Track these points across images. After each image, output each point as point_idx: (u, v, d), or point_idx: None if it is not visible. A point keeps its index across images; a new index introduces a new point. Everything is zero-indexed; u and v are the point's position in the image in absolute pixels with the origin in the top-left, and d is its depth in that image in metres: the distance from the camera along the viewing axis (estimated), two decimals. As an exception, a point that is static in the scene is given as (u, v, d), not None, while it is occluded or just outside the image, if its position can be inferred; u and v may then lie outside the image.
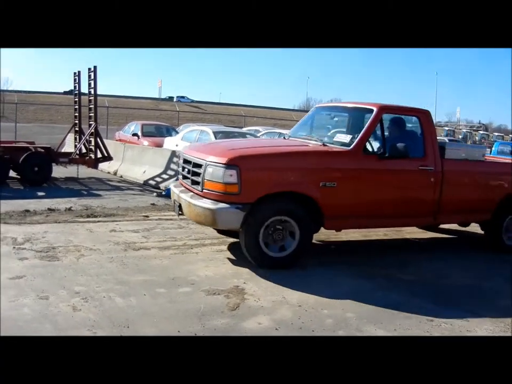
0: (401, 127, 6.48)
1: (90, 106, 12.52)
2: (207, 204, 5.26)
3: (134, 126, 18.63)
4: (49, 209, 7.98)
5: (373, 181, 5.90)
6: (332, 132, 6.50)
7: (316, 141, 6.19)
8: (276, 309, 4.44)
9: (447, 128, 49.68)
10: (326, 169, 5.64)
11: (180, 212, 5.84)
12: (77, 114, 13.16)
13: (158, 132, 18.03)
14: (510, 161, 7.90)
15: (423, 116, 6.36)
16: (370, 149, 5.92)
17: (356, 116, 6.49)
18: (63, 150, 13.39)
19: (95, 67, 12.12)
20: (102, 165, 13.46)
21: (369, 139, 5.94)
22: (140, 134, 17.25)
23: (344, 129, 6.40)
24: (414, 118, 6.44)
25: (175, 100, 70.10)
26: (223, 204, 5.17)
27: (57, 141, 14.62)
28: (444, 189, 6.29)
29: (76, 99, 13.12)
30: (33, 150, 11.43)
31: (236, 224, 5.27)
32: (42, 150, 11.65)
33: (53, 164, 11.57)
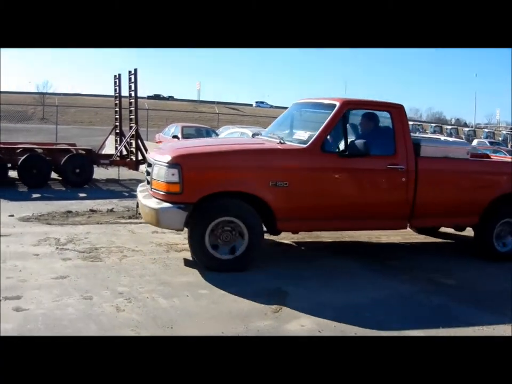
0: (372, 123, 6.11)
1: (131, 108, 12.66)
2: (153, 203, 5.17)
3: (174, 128, 18.83)
4: (91, 210, 8.08)
5: (332, 181, 5.58)
6: (297, 129, 6.22)
7: (276, 138, 5.84)
8: (318, 311, 4.38)
9: (486, 130, 48.53)
10: (276, 168, 5.35)
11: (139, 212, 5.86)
12: (117, 116, 13.37)
13: (198, 134, 18.11)
14: (501, 159, 7.35)
15: (394, 111, 5.91)
16: (331, 147, 5.59)
17: (323, 112, 5.93)
18: (103, 152, 13.60)
19: (135, 70, 12.24)
20: (142, 167, 13.59)
21: (333, 136, 5.64)
22: (180, 136, 17.38)
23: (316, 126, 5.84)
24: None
25: (254, 105, 70.80)
26: (166, 204, 5.05)
27: (97, 142, 14.87)
28: (418, 190, 5.83)
29: (117, 101, 13.32)
30: (75, 152, 11.64)
31: (178, 224, 5.10)
32: (84, 152, 11.85)
33: (94, 166, 11.77)
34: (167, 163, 5.09)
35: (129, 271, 5.11)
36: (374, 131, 6.06)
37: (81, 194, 10.01)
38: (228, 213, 5.17)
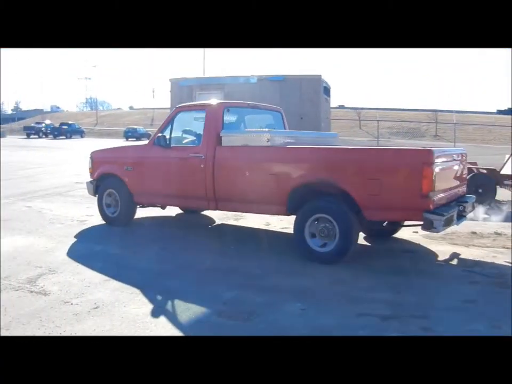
0: (197, 121, 7.32)
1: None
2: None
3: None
4: (495, 233, 7.88)
5: (159, 166, 7.43)
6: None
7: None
8: None
9: None
10: (127, 158, 7.91)
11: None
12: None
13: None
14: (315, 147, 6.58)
15: (208, 110, 7.04)
16: (160, 142, 7.22)
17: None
18: (504, 172, 13.03)
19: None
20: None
21: (167, 133, 7.28)
22: None
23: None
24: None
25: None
26: (88, 179, 8.47)
27: (492, 161, 14.29)
28: (215, 175, 6.66)
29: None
30: (476, 171, 11.51)
31: (91, 192, 8.38)
32: (485, 171, 11.62)
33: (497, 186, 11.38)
34: (89, 156, 8.52)
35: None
36: (195, 127, 7.31)
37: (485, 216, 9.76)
38: (109, 186, 8.06)
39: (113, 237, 7.46)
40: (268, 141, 6.40)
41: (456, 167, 6.31)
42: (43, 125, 59.06)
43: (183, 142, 7.45)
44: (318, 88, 16.16)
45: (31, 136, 54.78)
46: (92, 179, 8.33)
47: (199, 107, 7.61)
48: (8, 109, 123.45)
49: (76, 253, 6.43)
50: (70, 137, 54.57)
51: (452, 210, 5.73)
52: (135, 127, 58.22)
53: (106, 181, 8.09)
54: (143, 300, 4.85)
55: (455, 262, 6.24)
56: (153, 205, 8.25)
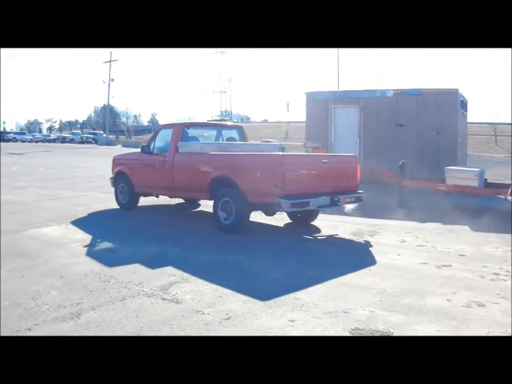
0: (170, 136, 9.98)
1: None
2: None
3: None
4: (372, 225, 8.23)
5: (145, 167, 10.42)
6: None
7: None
8: None
9: None
10: (130, 160, 11.12)
11: None
12: None
13: None
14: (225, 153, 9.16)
15: (174, 128, 10.20)
16: (147, 150, 10.32)
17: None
18: None
19: None
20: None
21: (152, 144, 10.33)
22: None
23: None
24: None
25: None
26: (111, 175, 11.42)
27: None
28: (174, 173, 9.52)
29: None
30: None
31: (112, 184, 11.24)
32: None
33: None
34: (112, 159, 11.80)
35: None
36: (168, 140, 9.90)
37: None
38: (122, 180, 10.84)
39: (247, 245, 7.49)
40: (200, 149, 9.36)
41: (319, 168, 8.37)
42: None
43: (160, 150, 10.11)
44: (454, 103, 15.59)
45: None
46: (112, 175, 11.38)
47: (170, 126, 10.82)
48: (144, 121, 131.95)
49: (208, 263, 6.42)
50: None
51: (309, 198, 7.75)
52: (269, 140, 58.99)
53: (120, 177, 10.98)
54: (275, 312, 4.68)
55: (323, 237, 8.31)
56: (148, 195, 10.97)
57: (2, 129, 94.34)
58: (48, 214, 10.00)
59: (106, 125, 68.14)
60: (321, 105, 16.80)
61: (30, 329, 4.24)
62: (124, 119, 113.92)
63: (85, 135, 68.67)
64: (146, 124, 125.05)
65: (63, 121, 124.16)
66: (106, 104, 69.49)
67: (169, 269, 6.05)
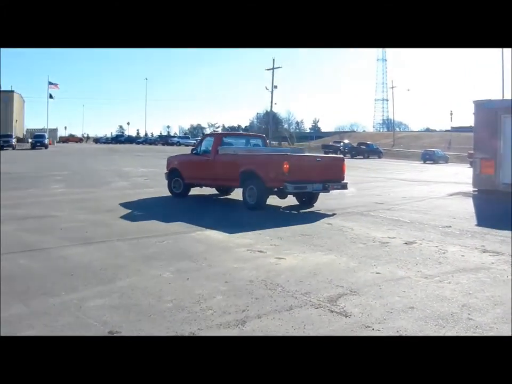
0: (211, 142, 13.93)
1: None
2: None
3: None
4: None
5: (197, 164, 13.92)
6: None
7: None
8: None
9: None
10: (182, 159, 14.90)
11: None
12: None
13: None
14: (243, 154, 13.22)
15: (215, 137, 14.72)
16: (196, 151, 14.16)
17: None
18: None
19: None
20: None
21: (199, 148, 14.23)
22: None
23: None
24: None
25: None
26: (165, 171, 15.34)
27: None
28: (216, 168, 13.10)
29: None
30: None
31: (166, 178, 14.97)
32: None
33: None
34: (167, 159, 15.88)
35: None
36: (211, 145, 13.70)
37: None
38: (175, 175, 14.47)
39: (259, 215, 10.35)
40: (234, 152, 13.11)
41: (314, 164, 12.34)
42: (341, 144, 61.41)
43: (205, 152, 13.78)
44: None
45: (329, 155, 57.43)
46: (166, 171, 14.86)
47: (212, 135, 18.28)
48: (306, 127, 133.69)
49: (379, 276, 6.07)
50: (368, 157, 55.53)
51: (306, 184, 11.52)
52: (433, 149, 56.40)
53: (173, 172, 14.41)
54: (449, 332, 4.33)
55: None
56: (195, 185, 14.28)
57: (166, 133, 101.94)
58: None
59: (269, 131, 69.90)
60: (491, 114, 15.83)
61: (193, 334, 4.24)
62: (285, 126, 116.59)
63: (247, 141, 70.90)
64: (308, 130, 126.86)
65: (226, 126, 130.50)
66: (269, 110, 71.53)
67: (337, 280, 5.83)
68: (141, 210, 11.69)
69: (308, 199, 12.75)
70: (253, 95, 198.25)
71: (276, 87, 65.13)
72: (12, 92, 71.02)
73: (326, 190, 12.01)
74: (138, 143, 78.23)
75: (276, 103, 78.57)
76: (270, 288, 5.49)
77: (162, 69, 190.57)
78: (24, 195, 14.12)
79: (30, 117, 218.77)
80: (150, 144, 74.07)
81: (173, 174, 14.39)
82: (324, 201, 13.03)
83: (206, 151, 13.66)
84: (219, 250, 7.36)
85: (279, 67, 64.97)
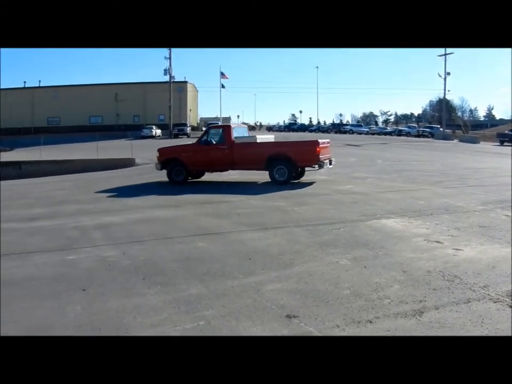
0: (220, 132, 16.73)
1: None
2: None
3: None
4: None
5: (203, 152, 16.24)
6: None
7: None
8: None
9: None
10: (187, 147, 18.20)
11: None
12: None
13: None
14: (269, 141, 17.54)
15: (226, 127, 16.89)
16: (203, 141, 16.54)
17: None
18: None
19: None
20: None
21: (206, 138, 16.63)
22: None
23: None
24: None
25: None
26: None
27: None
28: (233, 155, 15.69)
29: None
30: None
31: (157, 168, 17.09)
32: None
33: None
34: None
35: None
36: (219, 135, 16.48)
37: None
38: (175, 165, 16.63)
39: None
40: (254, 140, 16.54)
41: (327, 147, 15.99)
42: (519, 132, 56.54)
43: (212, 142, 16.27)
44: None
45: (504, 144, 53.32)
46: (157, 162, 17.05)
47: (218, 127, 19.42)
48: (480, 115, 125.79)
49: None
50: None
51: (326, 161, 15.23)
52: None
53: (171, 162, 16.52)
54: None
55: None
56: (197, 172, 16.91)
57: (339, 122, 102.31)
58: (389, 206, 10.45)
59: (442, 118, 67.06)
60: None
61: (370, 322, 4.46)
62: (459, 113, 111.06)
63: (421, 129, 68.66)
64: (482, 118, 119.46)
65: (398, 114, 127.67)
66: (442, 98, 68.41)
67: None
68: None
69: (300, 173, 16.14)
70: (426, 82, 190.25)
71: (448, 73, 62.20)
72: (186, 82, 75.08)
73: (331, 164, 15.74)
74: (311, 131, 79.09)
75: (449, 90, 75.08)
76: (447, 280, 5.57)
77: (331, 58, 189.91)
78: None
79: (203, 107, 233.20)
80: (323, 132, 74.85)
81: (172, 164, 16.48)
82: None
83: (215, 141, 16.21)
84: (395, 240, 7.50)
85: (451, 53, 61.83)
